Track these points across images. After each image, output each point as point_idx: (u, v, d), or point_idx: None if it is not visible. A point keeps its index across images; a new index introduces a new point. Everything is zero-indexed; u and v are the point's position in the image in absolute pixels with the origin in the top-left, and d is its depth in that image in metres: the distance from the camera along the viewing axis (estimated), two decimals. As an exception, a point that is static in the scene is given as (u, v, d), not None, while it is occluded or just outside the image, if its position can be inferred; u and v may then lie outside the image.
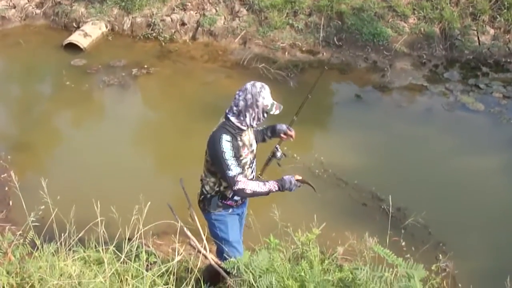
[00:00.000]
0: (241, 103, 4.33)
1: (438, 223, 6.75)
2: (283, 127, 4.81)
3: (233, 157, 4.32)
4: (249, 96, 4.32)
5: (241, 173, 4.36)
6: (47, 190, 4.37)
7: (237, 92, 4.40)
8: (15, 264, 4.16)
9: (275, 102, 4.42)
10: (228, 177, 4.32)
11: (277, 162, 4.98)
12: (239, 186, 4.31)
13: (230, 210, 4.75)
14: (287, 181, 4.45)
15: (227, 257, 4.32)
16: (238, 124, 4.39)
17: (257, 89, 4.34)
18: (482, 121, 9.24)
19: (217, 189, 4.63)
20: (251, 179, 4.66)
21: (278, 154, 4.88)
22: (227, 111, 4.44)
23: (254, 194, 4.40)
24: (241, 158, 4.47)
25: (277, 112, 4.42)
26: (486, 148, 8.45)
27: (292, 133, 4.78)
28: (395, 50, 11.11)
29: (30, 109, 9.56)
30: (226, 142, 4.32)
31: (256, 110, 4.35)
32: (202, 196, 4.74)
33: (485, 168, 7.88)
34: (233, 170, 4.31)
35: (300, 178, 4.53)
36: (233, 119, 4.39)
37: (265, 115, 4.42)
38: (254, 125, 4.45)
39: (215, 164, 4.43)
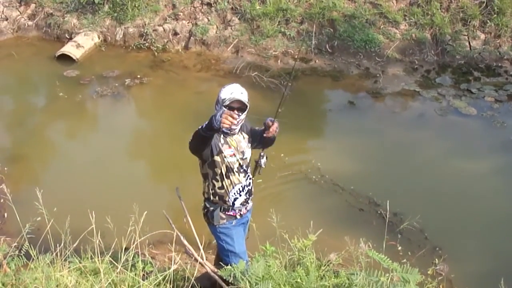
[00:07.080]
0: None
1: (434, 228, 6.76)
2: (268, 119, 4.49)
3: None
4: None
5: None
6: (42, 201, 4.37)
7: None
8: (11, 275, 4.15)
9: (234, 96, 4.31)
10: None
11: (258, 170, 4.80)
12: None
13: (234, 221, 4.70)
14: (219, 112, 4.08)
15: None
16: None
17: (222, 88, 4.42)
18: (475, 125, 9.29)
19: (212, 191, 4.58)
20: (248, 186, 4.67)
21: (262, 161, 4.71)
22: None
23: (194, 136, 4.34)
24: (223, 156, 4.45)
25: (231, 97, 4.32)
26: (479, 152, 8.48)
27: (273, 125, 4.40)
28: (387, 56, 11.18)
29: (24, 121, 9.52)
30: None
31: (218, 106, 4.41)
32: (206, 210, 4.72)
33: (479, 172, 7.90)
34: None
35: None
36: None
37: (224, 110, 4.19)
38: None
39: None
